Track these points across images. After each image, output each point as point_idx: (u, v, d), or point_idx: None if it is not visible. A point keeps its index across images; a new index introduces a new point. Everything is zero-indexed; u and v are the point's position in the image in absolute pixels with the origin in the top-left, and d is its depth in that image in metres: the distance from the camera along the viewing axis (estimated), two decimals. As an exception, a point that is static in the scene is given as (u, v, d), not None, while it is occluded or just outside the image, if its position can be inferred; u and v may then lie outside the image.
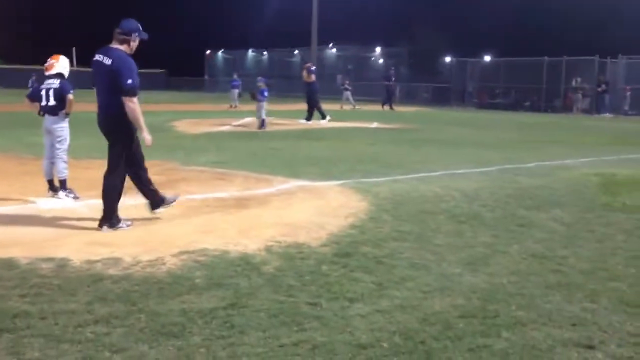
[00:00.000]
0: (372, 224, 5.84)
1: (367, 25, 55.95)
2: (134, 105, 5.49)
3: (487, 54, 42.37)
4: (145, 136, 5.65)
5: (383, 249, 5.05)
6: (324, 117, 19.82)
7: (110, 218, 5.62)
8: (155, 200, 5.98)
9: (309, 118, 19.65)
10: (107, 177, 5.72)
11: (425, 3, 57.02)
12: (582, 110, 31.16)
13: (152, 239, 5.24)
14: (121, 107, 5.48)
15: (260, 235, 5.34)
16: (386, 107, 30.66)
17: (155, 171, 8.74)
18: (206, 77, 63.54)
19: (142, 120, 5.58)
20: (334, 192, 7.47)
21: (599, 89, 29.93)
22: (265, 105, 17.07)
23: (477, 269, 4.57)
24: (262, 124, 16.78)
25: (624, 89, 30.52)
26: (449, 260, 4.77)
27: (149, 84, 54.90)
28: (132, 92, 5.48)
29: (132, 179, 5.89)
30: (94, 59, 5.65)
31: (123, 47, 5.61)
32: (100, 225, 5.60)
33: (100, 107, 5.66)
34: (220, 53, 64.15)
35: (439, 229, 5.73)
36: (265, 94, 17.20)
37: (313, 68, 21.15)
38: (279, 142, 13.25)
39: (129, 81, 5.45)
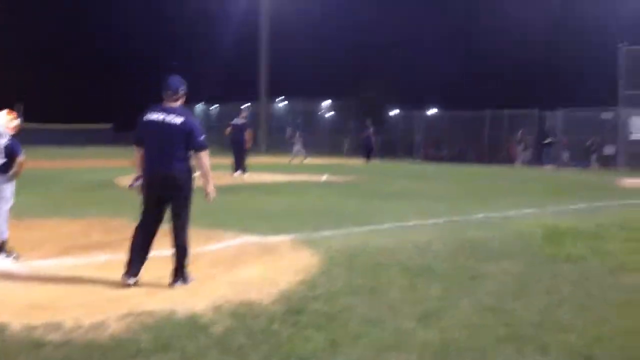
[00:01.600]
0: (324, 279, 5.79)
1: (316, 79, 56.88)
2: (207, 159, 5.76)
3: (432, 107, 43.51)
4: (211, 189, 5.83)
5: (336, 304, 5.00)
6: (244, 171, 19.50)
7: (183, 274, 5.65)
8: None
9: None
10: (180, 233, 5.72)
11: (371, 57, 58.50)
12: (524, 163, 32.06)
13: (95, 300, 5.06)
14: (188, 163, 5.69)
15: (210, 294, 5.22)
16: (367, 161, 31.15)
17: (100, 229, 8.58)
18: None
19: (210, 173, 5.78)
20: (286, 246, 7.40)
21: (545, 142, 30.88)
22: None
23: (430, 323, 4.56)
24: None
25: (563, 140, 31.60)
26: (403, 314, 4.75)
27: (94, 139, 54.29)
28: (205, 147, 5.76)
29: (148, 234, 5.78)
30: (150, 118, 5.67)
31: (179, 104, 5.76)
32: (174, 282, 5.59)
33: (163, 165, 5.62)
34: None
35: (392, 282, 5.72)
36: None
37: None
38: (229, 196, 13.11)
39: (203, 137, 5.74)
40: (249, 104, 52.91)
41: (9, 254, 6.60)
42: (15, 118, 6.88)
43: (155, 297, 5.17)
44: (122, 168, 21.87)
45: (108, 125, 60.67)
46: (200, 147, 5.72)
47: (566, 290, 5.56)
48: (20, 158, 6.67)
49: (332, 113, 53.33)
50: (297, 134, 35.07)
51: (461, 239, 7.98)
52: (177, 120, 5.64)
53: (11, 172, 6.67)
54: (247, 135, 19.71)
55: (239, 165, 19.33)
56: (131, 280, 5.54)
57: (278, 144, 45.38)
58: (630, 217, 10.38)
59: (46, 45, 66.73)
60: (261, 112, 42.29)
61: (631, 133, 28.47)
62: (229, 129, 20.21)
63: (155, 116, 5.67)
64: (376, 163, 30.60)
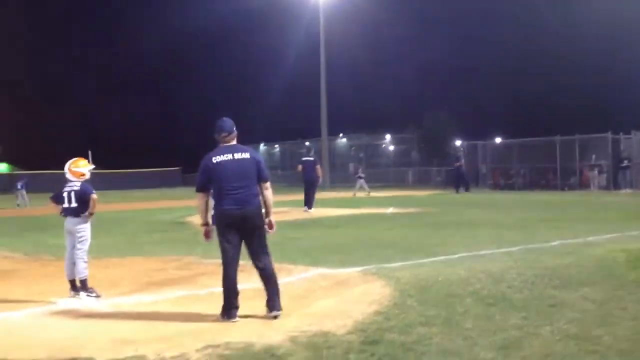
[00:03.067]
0: (397, 310, 5.71)
1: (376, 113, 57.07)
2: (271, 191, 5.98)
3: (497, 136, 42.83)
4: (273, 219, 5.96)
5: (410, 335, 4.91)
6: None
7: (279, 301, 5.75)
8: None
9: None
10: (268, 264, 5.87)
11: (433, 88, 58.32)
12: (599, 187, 31.00)
13: (175, 333, 5.14)
14: (259, 198, 5.86)
15: (284, 326, 5.23)
16: (461, 191, 31.00)
17: (175, 266, 8.78)
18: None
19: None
20: (356, 278, 7.36)
21: (622, 165, 29.82)
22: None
23: (510, 353, 4.42)
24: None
25: (638, 164, 30.43)
26: (480, 344, 4.62)
27: (165, 182, 55.93)
28: (269, 179, 5.99)
29: (235, 271, 5.88)
30: (219, 160, 5.80)
31: (236, 142, 5.97)
32: (279, 309, 5.67)
33: (242, 202, 5.74)
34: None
35: (467, 312, 5.59)
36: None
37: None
38: (296, 231, 13.21)
39: (267, 170, 6.01)
40: (307, 142, 53.72)
41: (90, 292, 6.82)
42: (87, 165, 7.23)
43: (232, 329, 5.21)
44: (191, 207, 22.38)
45: (177, 168, 62.42)
46: (267, 180, 5.93)
47: (654, 316, 5.30)
48: (94, 195, 7.02)
49: (392, 147, 53.19)
50: (360, 169, 35.10)
51: (537, 267, 7.75)
52: (246, 155, 5.83)
53: (87, 212, 6.98)
54: (318, 170, 20.03)
55: (311, 200, 19.59)
56: (235, 320, 5.60)
57: (341, 179, 45.54)
58: None
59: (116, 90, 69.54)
60: (323, 148, 42.54)
61: None
62: (300, 167, 20.50)
63: (224, 157, 5.80)
64: (467, 194, 30.02)
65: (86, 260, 6.93)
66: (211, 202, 6.14)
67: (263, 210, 5.90)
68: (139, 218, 18.52)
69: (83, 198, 6.98)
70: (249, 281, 6.33)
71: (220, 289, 6.71)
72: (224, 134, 5.92)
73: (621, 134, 31.29)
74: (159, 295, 6.75)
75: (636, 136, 30.43)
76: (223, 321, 5.55)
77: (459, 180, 32.29)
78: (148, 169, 58.37)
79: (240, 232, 5.76)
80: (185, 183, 59.68)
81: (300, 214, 18.38)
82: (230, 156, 5.79)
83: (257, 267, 5.84)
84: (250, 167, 5.80)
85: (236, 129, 6.02)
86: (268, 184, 5.94)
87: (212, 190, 5.89)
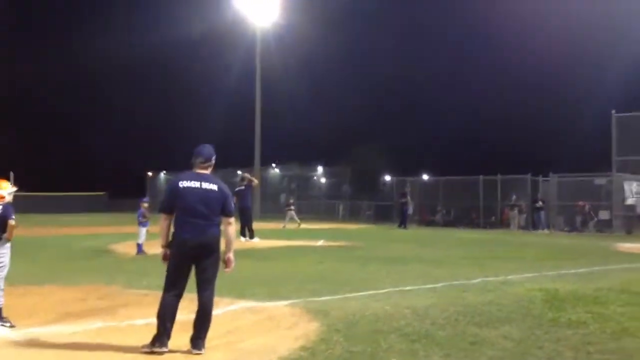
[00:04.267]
0: (323, 345, 5.72)
1: (309, 144, 57.50)
2: (234, 227, 5.96)
3: (425, 173, 43.88)
4: (232, 256, 5.91)
5: (336, 371, 4.92)
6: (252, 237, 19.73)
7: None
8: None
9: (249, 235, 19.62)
10: (211, 300, 5.76)
11: (364, 124, 59.32)
12: (519, 227, 32.13)
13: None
14: (219, 229, 5.80)
15: (209, 361, 5.14)
16: (402, 227, 31.00)
17: (95, 296, 8.50)
18: (147, 197, 63.24)
19: None
20: (283, 312, 7.33)
21: (537, 205, 31.08)
22: (144, 230, 14.87)
23: (432, 390, 4.48)
24: (139, 249, 14.77)
25: (556, 206, 31.80)
26: (403, 381, 4.67)
27: (89, 207, 54.26)
28: (232, 215, 5.91)
29: (177, 301, 5.76)
30: (186, 185, 5.73)
31: (210, 172, 5.90)
32: (201, 348, 5.51)
33: (198, 231, 5.65)
34: (162, 174, 64.36)
35: (391, 348, 5.65)
36: (141, 218, 15.00)
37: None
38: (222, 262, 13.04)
39: (233, 205, 5.97)
40: (239, 172, 53.49)
41: (4, 321, 6.51)
42: (8, 187, 6.92)
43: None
44: (116, 235, 21.86)
45: (102, 193, 60.81)
46: (231, 215, 5.91)
47: (568, 355, 5.51)
48: (12, 222, 6.69)
49: (324, 179, 53.63)
50: (291, 200, 35.16)
51: (460, 304, 7.92)
52: (214, 187, 5.79)
53: (4, 236, 6.67)
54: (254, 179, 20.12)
55: (246, 230, 19.49)
56: (164, 349, 5.46)
57: (272, 210, 45.44)
58: (628, 281, 10.34)
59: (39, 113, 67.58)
60: (255, 178, 42.43)
61: (626, 198, 28.64)
62: (234, 198, 20.35)
63: (192, 183, 5.74)
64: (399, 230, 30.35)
65: (2, 287, 6.63)
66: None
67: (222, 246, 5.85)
68: (60, 244, 17.89)
69: (2, 221, 6.68)
70: (179, 314, 6.18)
71: (141, 321, 6.57)
72: (200, 159, 5.88)
73: (540, 176, 32.69)
74: (77, 327, 6.51)
75: (553, 179, 31.83)
76: (152, 350, 5.39)
77: (403, 216, 32.62)
78: (73, 192, 56.62)
79: (195, 261, 5.67)
80: (110, 208, 58.16)
81: (241, 244, 18.21)
82: (198, 184, 5.75)
83: (200, 297, 5.72)
84: (217, 200, 5.77)
85: (199, 157, 5.92)
86: (232, 220, 5.91)
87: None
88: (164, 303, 5.64)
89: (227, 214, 5.87)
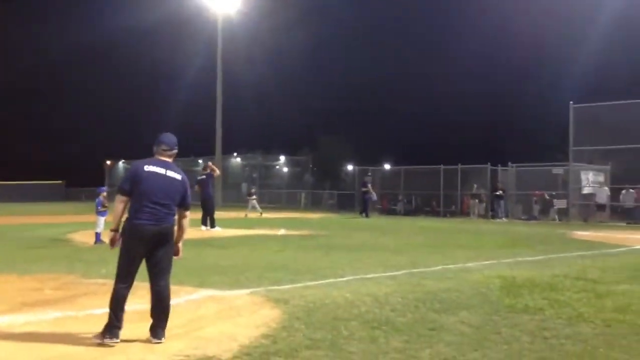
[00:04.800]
0: (284, 333, 5.72)
1: (271, 134, 57.27)
2: (189, 220, 5.94)
3: (387, 162, 44.19)
4: (181, 246, 5.92)
5: (296, 358, 4.94)
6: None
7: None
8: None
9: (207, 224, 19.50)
10: (167, 287, 5.67)
11: (327, 114, 59.34)
12: (479, 215, 32.63)
13: (50, 357, 4.89)
14: (174, 219, 5.72)
15: (168, 350, 5.11)
16: (363, 216, 31.04)
17: (52, 285, 8.35)
18: (106, 187, 62.31)
19: None
20: (244, 301, 7.30)
21: (496, 194, 31.59)
22: (102, 219, 14.67)
23: (392, 375, 4.52)
24: (97, 238, 14.62)
25: (514, 195, 32.39)
26: (363, 367, 4.70)
27: (46, 196, 53.19)
28: (190, 208, 5.92)
29: (129, 289, 5.65)
30: (151, 170, 5.61)
31: (172, 161, 5.79)
32: (161, 337, 5.44)
33: (157, 218, 5.55)
34: (121, 163, 63.48)
35: (352, 335, 5.68)
36: (99, 207, 14.83)
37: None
38: (184, 250, 12.93)
39: (190, 199, 5.89)
40: (201, 160, 53.00)
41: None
42: None
43: (112, 353, 5.02)
44: (74, 224, 21.50)
45: (60, 182, 59.70)
46: (189, 207, 5.89)
47: (525, 341, 5.61)
48: None
49: (286, 168, 53.56)
50: (253, 189, 35.04)
51: (420, 291, 8.01)
52: (178, 176, 5.73)
53: None
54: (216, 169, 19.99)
55: (207, 219, 19.37)
56: (116, 340, 5.36)
57: (233, 199, 45.23)
58: (583, 268, 10.59)
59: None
60: (216, 167, 42.15)
61: (582, 187, 29.29)
62: (197, 187, 20.18)
63: (157, 169, 5.65)
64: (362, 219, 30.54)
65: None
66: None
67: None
68: (16, 233, 17.52)
69: None
70: (137, 303, 6.11)
71: (99, 310, 6.46)
72: (163, 147, 5.80)
73: (499, 165, 33.22)
74: (33, 316, 6.39)
75: (512, 168, 32.40)
76: (103, 341, 5.31)
77: (365, 205, 32.75)
78: (30, 181, 55.45)
79: (150, 249, 5.57)
80: (68, 197, 57.12)
81: (190, 233, 18.11)
82: (163, 171, 5.65)
83: (156, 286, 5.62)
84: (178, 190, 5.71)
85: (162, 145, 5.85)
86: (188, 213, 5.88)
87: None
88: (117, 294, 5.52)
89: (187, 206, 5.83)
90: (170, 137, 5.91)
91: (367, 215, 31.24)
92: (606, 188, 28.85)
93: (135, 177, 5.62)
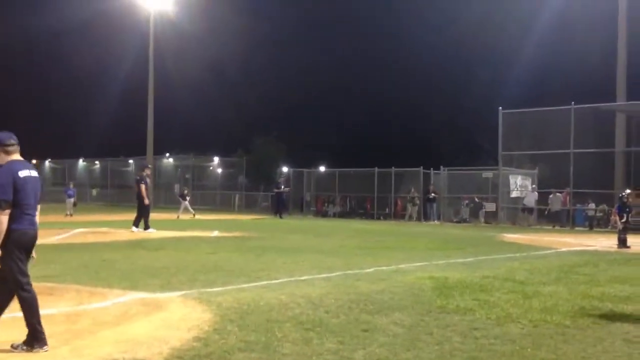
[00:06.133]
0: (217, 336, 5.62)
1: (205, 134, 56.58)
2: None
3: (322, 165, 44.37)
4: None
5: (229, 361, 4.85)
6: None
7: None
8: None
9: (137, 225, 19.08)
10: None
11: (262, 116, 59.07)
12: (411, 218, 33.17)
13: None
14: None
15: (95, 354, 4.93)
16: (277, 216, 31.32)
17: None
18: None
19: None
20: (176, 303, 7.15)
21: (429, 197, 32.22)
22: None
23: (326, 377, 4.50)
24: None
25: (446, 198, 33.12)
26: (297, 370, 4.66)
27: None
28: None
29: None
30: (24, 175, 5.24)
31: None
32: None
33: (34, 223, 5.32)
34: (47, 162, 61.44)
35: (286, 337, 5.63)
36: None
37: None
38: (114, 253, 12.63)
39: None
40: (131, 160, 51.87)
41: None
42: None
43: (36, 357, 4.81)
44: None
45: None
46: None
47: (456, 341, 5.69)
48: None
49: (220, 170, 53.03)
50: (186, 190, 34.55)
51: (353, 292, 8.04)
52: (36, 174, 5.41)
53: None
54: (140, 189, 19.35)
55: (137, 220, 19.03)
56: (47, 347, 5.11)
57: (165, 200, 44.44)
58: (512, 269, 10.89)
59: None
60: (140, 167, 41.35)
61: (511, 191, 30.17)
62: (136, 186, 19.70)
63: (28, 173, 5.30)
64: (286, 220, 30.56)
65: None
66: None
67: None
68: None
69: None
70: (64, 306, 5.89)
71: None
72: (10, 143, 5.31)
73: (431, 169, 33.90)
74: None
75: (444, 172, 33.12)
76: (33, 350, 5.06)
77: (279, 206, 33.09)
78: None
79: (28, 255, 5.32)
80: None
81: (120, 235, 17.73)
82: (29, 173, 5.30)
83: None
84: (39, 188, 5.42)
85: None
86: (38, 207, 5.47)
87: None
88: (32, 301, 5.23)
89: (38, 203, 5.46)
90: (9, 133, 5.41)
91: (281, 216, 31.59)
92: (535, 193, 29.82)
93: (12, 184, 5.16)
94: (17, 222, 5.18)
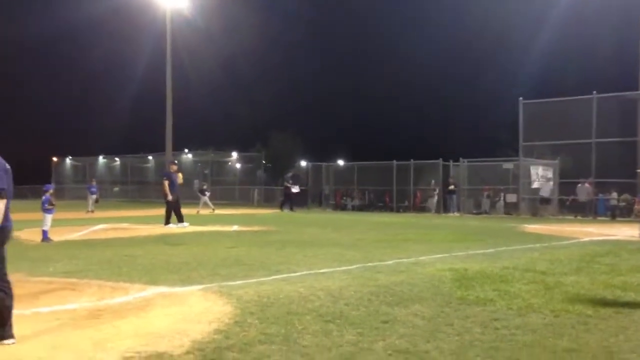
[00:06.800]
0: (238, 328, 5.65)
1: (224, 129, 56.76)
2: None
3: (341, 159, 44.36)
4: None
5: (250, 353, 4.88)
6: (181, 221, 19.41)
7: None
8: None
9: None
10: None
11: (281, 110, 59.17)
12: (432, 210, 33.06)
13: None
14: None
15: (118, 347, 4.98)
16: (285, 210, 31.82)
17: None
18: (52, 184, 60.79)
19: None
20: (196, 297, 7.20)
21: (450, 189, 32.10)
22: (49, 216, 14.64)
23: (346, 368, 4.51)
24: (44, 236, 14.42)
25: (466, 190, 32.95)
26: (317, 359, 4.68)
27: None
28: None
29: None
30: (7, 166, 5.24)
31: None
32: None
33: (9, 217, 5.29)
34: (68, 160, 62.04)
35: (306, 329, 5.65)
36: (46, 205, 14.68)
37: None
38: (135, 248, 12.74)
39: None
40: (150, 156, 52.06)
41: None
42: None
43: (60, 352, 4.87)
44: (19, 221, 20.80)
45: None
46: None
47: (476, 331, 5.67)
48: None
49: (239, 165, 53.20)
50: (205, 186, 34.73)
51: (373, 284, 8.04)
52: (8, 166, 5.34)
53: None
54: (163, 186, 19.52)
55: (167, 217, 19.26)
56: (10, 341, 5.14)
57: (185, 196, 44.66)
58: (532, 260, 10.81)
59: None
60: (167, 163, 41.56)
61: (532, 182, 29.95)
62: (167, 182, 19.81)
63: (7, 166, 5.27)
64: (289, 213, 30.66)
65: None
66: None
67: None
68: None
69: None
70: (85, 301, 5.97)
71: (46, 309, 6.30)
72: None
73: (451, 161, 33.73)
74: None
75: (463, 164, 32.94)
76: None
77: (285, 200, 33.62)
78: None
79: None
80: (14, 195, 55.46)
81: (141, 230, 17.91)
82: (7, 166, 5.26)
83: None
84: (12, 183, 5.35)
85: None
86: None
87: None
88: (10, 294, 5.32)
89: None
90: None
91: (291, 209, 32.23)
92: (550, 182, 29.56)
93: (3, 175, 5.15)
94: (4, 217, 5.19)
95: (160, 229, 18.36)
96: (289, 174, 35.01)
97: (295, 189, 33.75)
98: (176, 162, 22.68)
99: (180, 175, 20.61)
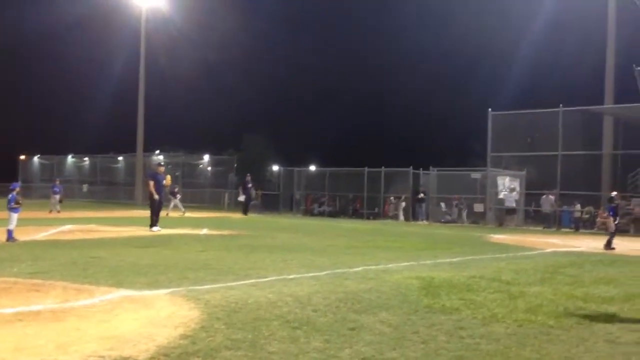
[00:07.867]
0: (204, 333, 5.63)
1: (196, 132, 56.44)
2: None
3: (312, 164, 44.44)
4: None
5: (215, 359, 4.87)
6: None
7: None
8: None
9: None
10: None
11: (253, 114, 59.04)
12: (401, 218, 33.27)
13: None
14: None
15: (81, 351, 4.92)
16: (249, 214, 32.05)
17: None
18: (19, 182, 59.71)
19: None
20: (163, 301, 7.15)
21: (419, 197, 32.35)
22: (15, 216, 14.35)
23: (311, 375, 4.52)
24: (9, 235, 14.06)
25: (435, 198, 33.25)
26: (283, 367, 4.69)
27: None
28: None
29: None
30: None
31: None
32: None
33: None
34: (36, 158, 61.10)
35: (272, 335, 5.65)
36: (12, 203, 14.40)
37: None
38: (102, 250, 12.59)
39: None
40: (120, 157, 51.51)
41: None
42: None
43: (22, 354, 4.80)
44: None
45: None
46: None
47: (442, 340, 5.73)
48: None
49: (210, 167, 52.92)
50: (176, 188, 34.46)
51: (341, 291, 8.07)
52: None
53: None
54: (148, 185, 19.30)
55: (151, 219, 18.86)
56: None
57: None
58: (498, 270, 10.96)
59: None
60: (137, 164, 41.18)
61: (499, 192, 30.33)
62: (152, 183, 19.42)
63: None
64: (253, 217, 30.60)
65: None
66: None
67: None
68: None
69: None
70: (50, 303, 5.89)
71: (9, 310, 6.20)
72: None
73: (421, 169, 34.03)
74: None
75: (433, 172, 33.26)
76: None
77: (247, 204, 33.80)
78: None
79: None
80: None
81: (109, 232, 17.70)
82: None
83: None
84: None
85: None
86: None
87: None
88: None
89: None
90: None
91: (245, 213, 32.43)
92: (514, 193, 30.00)
93: None
94: None
95: (128, 232, 18.17)
96: (249, 177, 35.05)
97: (240, 198, 33.99)
98: (162, 164, 22.45)
99: (168, 177, 20.32)
